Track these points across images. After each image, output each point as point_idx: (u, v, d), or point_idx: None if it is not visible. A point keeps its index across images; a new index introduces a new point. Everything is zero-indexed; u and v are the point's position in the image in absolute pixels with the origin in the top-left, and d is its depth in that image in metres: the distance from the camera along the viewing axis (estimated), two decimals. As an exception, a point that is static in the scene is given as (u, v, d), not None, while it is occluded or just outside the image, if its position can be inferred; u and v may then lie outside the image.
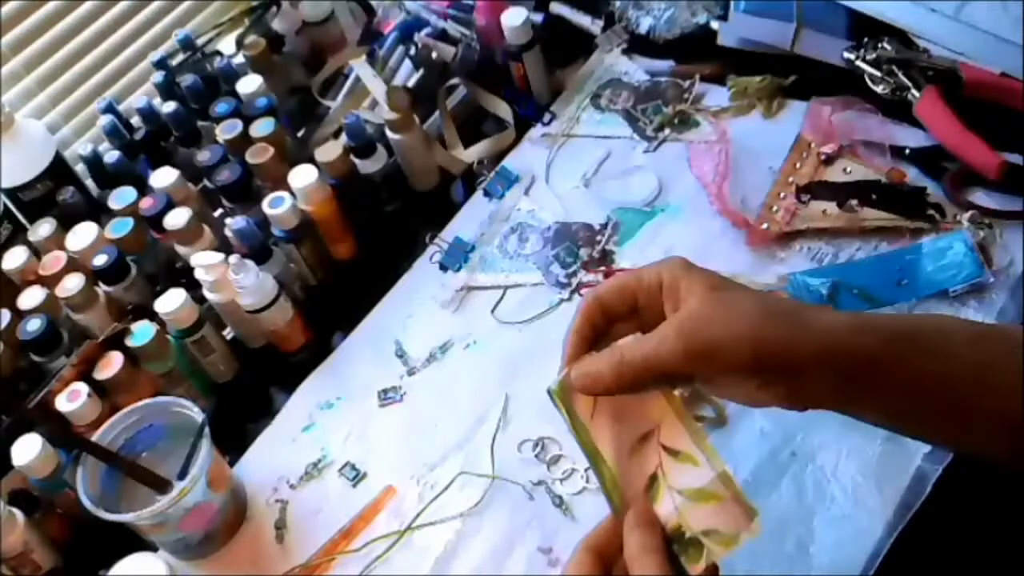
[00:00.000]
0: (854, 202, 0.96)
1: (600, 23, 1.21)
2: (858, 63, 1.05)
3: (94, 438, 0.86)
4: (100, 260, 0.97)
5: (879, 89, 1.03)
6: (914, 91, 1.01)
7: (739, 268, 0.95)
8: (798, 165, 1.01)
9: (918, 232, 0.93)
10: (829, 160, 1.00)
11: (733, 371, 0.53)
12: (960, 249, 0.89)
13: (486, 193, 1.11)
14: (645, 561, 0.52)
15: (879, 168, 0.98)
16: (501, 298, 1.01)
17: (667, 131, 1.10)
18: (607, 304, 0.58)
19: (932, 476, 0.78)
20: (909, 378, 0.53)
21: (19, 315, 0.95)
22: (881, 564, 0.76)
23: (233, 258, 0.94)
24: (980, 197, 0.94)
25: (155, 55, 1.19)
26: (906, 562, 0.76)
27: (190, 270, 0.97)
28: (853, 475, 0.81)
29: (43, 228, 1.03)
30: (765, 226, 0.97)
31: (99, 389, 0.91)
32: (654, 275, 0.57)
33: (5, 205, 1.09)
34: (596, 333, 0.58)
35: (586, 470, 0.86)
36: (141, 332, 0.93)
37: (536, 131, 1.15)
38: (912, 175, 0.97)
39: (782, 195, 0.99)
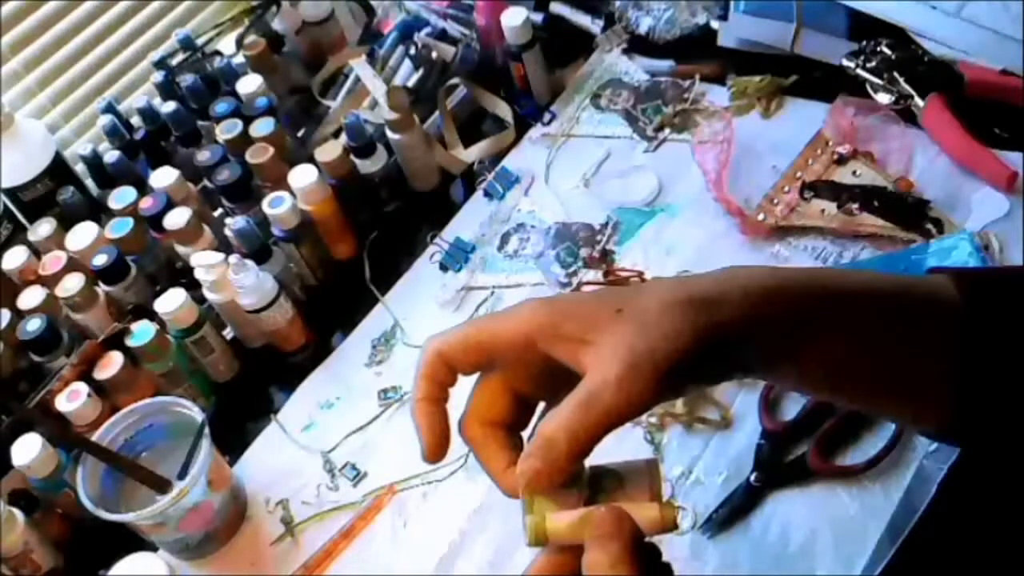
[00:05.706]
0: (854, 206, 0.96)
1: (600, 23, 1.21)
2: (859, 71, 1.04)
3: (94, 438, 0.86)
4: (100, 260, 0.97)
5: (881, 98, 1.03)
6: (918, 100, 1.00)
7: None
8: (810, 161, 1.00)
9: (910, 244, 0.93)
10: (842, 160, 0.99)
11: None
12: (966, 248, 0.89)
13: (486, 193, 1.10)
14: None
15: (889, 175, 0.98)
16: (485, 300, 1.01)
17: (667, 131, 1.10)
18: (452, 359, 0.49)
19: (936, 476, 0.78)
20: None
21: (19, 315, 0.95)
22: (885, 566, 0.76)
23: (233, 258, 0.94)
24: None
25: (155, 55, 1.19)
26: (910, 563, 0.76)
27: (190, 270, 0.96)
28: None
29: (43, 228, 1.03)
30: (761, 217, 0.97)
31: (99, 389, 0.91)
32: (512, 329, 0.49)
33: (5, 205, 1.09)
34: (446, 394, 0.50)
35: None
36: (141, 332, 0.93)
37: (536, 131, 1.15)
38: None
39: (786, 189, 0.99)
